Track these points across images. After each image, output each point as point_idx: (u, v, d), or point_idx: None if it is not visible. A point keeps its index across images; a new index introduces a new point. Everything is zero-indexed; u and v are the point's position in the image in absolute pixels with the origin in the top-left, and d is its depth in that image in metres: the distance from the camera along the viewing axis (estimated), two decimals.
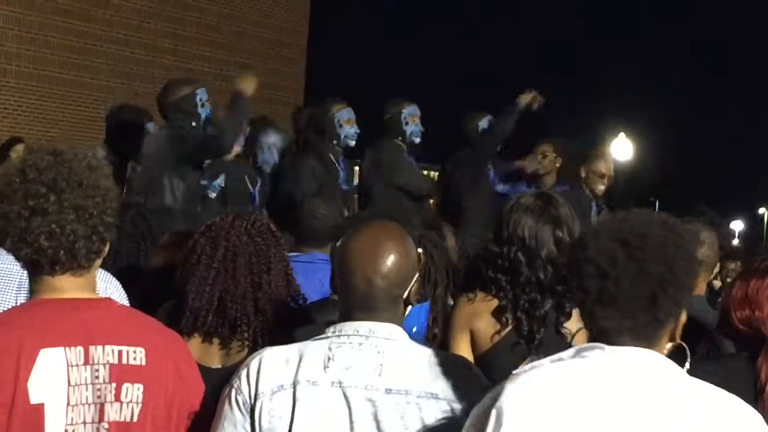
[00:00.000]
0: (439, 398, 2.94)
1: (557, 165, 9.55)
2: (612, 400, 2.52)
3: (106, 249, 3.01)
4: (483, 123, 9.61)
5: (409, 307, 3.13)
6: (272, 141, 8.87)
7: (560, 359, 2.63)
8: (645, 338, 2.63)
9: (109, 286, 3.99)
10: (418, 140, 9.11)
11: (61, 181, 2.89)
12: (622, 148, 24.47)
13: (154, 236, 4.95)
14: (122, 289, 4.10)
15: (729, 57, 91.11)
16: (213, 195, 8.29)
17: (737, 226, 72.88)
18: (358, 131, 8.84)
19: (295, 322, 3.76)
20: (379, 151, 9.10)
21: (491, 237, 4.51)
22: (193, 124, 7.62)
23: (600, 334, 2.64)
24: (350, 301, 3.06)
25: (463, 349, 4.37)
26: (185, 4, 15.69)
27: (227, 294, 3.76)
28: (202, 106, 7.70)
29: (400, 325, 3.07)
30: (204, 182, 8.05)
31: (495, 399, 2.57)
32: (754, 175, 71.40)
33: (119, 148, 8.35)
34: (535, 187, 9.06)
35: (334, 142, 8.68)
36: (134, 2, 14.94)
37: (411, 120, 9.05)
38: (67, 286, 2.93)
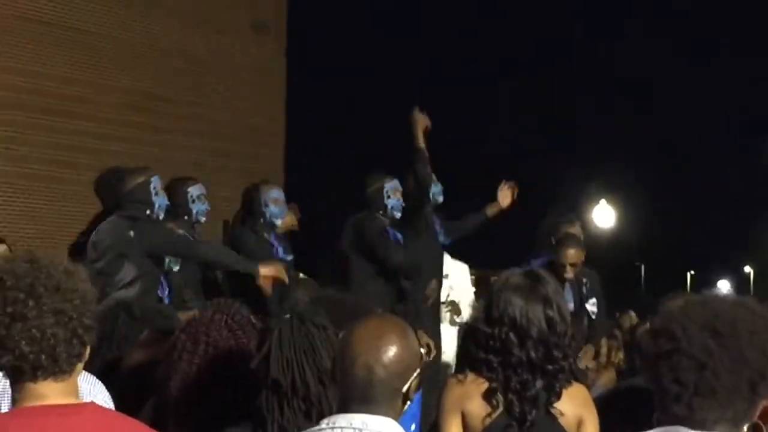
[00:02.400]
0: None
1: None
2: None
3: (87, 352, 3.03)
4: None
5: (408, 404, 3.11)
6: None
7: None
8: (739, 424, 2.64)
9: (93, 388, 4.00)
10: (399, 215, 9.22)
11: (39, 286, 2.91)
12: (603, 215, 24.57)
13: (119, 335, 4.94)
14: (106, 390, 4.11)
15: (709, 116, 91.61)
16: (176, 268, 8.32)
17: (724, 285, 73.06)
18: (285, 210, 9.16)
19: None
20: (362, 225, 9.26)
21: (481, 316, 4.51)
22: (148, 212, 7.70)
23: (697, 423, 2.62)
24: (349, 392, 3.05)
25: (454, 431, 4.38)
26: (162, 97, 15.80)
27: (212, 388, 3.78)
28: (156, 194, 7.78)
29: (395, 419, 3.06)
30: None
31: None
32: (737, 234, 71.58)
33: None
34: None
35: (261, 220, 8.94)
36: (115, 97, 15.05)
37: (393, 194, 9.19)
38: (49, 392, 2.93)
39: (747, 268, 67.24)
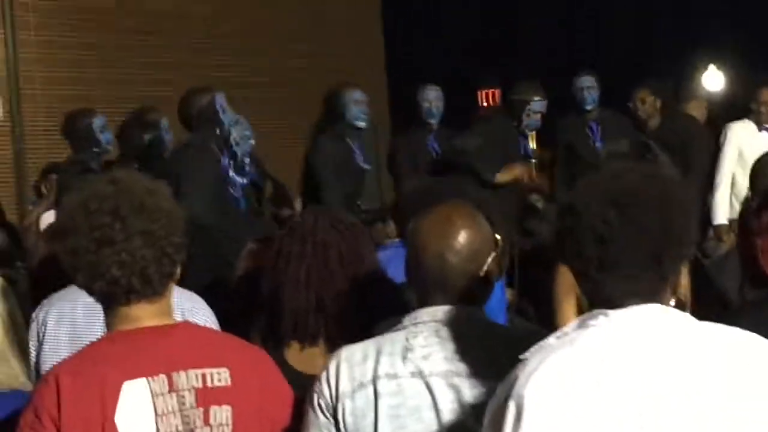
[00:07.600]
0: None
1: (658, 106, 9.72)
2: (630, 366, 2.37)
3: (178, 271, 2.95)
4: (581, 82, 9.89)
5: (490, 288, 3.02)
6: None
7: (565, 334, 2.49)
8: (651, 298, 2.47)
9: (194, 305, 3.94)
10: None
11: (124, 207, 2.84)
12: (713, 80, 24.05)
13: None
14: (208, 307, 4.04)
15: None
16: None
17: None
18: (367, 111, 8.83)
19: (396, 313, 3.62)
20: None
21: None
22: (218, 131, 7.39)
23: (606, 301, 2.47)
24: (425, 283, 2.98)
25: (570, 316, 4.26)
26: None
27: (325, 291, 3.61)
28: (224, 112, 7.48)
29: (479, 305, 2.98)
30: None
31: (509, 389, 2.41)
32: None
33: None
34: (641, 132, 9.48)
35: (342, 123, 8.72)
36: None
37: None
38: (143, 315, 2.88)
39: None
